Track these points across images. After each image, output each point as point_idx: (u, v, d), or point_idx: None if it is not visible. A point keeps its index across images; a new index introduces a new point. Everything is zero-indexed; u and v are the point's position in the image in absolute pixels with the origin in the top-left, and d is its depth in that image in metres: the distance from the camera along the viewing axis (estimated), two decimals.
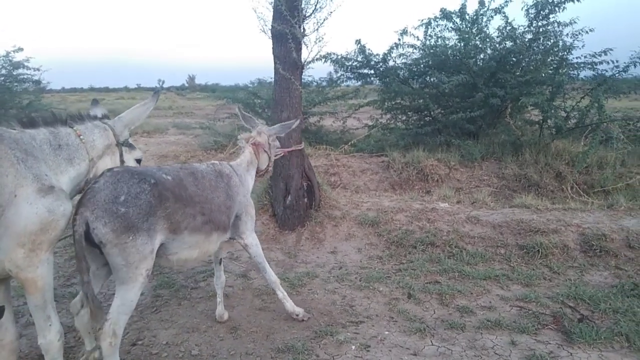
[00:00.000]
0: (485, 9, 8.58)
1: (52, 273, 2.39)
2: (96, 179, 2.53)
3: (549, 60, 7.94)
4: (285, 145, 4.96)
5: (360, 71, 9.23)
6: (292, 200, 5.60)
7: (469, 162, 7.67)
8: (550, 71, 7.80)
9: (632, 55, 7.29)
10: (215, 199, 3.00)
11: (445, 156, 7.76)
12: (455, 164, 7.64)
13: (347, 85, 10.93)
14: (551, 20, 7.77)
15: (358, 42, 8.69)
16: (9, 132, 2.39)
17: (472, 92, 7.94)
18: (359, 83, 10.03)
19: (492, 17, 8.49)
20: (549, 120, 7.78)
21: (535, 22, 7.91)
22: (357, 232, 5.51)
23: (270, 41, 5.39)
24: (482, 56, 8.45)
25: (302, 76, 5.96)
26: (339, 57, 8.67)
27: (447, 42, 8.66)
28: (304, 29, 5.27)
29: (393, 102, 9.39)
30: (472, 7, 13.06)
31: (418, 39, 8.78)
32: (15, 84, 13.41)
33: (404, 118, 9.76)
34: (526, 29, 8.04)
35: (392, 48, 8.55)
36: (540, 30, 7.82)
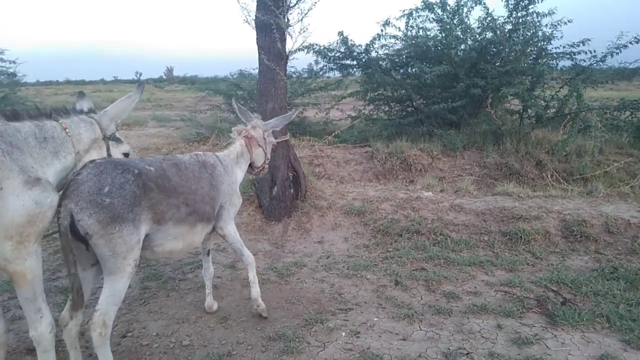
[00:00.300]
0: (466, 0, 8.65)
1: (41, 265, 2.36)
2: (79, 170, 2.49)
3: (528, 50, 8.06)
4: None
5: (343, 62, 9.24)
6: (278, 191, 5.60)
7: (451, 151, 7.79)
8: (530, 61, 7.93)
9: (609, 45, 7.45)
10: (199, 189, 2.99)
11: (428, 146, 7.85)
12: (437, 154, 7.74)
13: (329, 77, 10.92)
14: (530, 11, 7.87)
15: (341, 33, 8.69)
16: None
17: (453, 83, 8.01)
18: (341, 74, 10.05)
19: (472, 7, 8.55)
20: (529, 110, 7.94)
21: (514, 12, 8.01)
22: (344, 221, 5.55)
23: (254, 32, 5.37)
24: (463, 47, 8.50)
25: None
26: (322, 48, 8.65)
27: (428, 33, 8.69)
28: (288, 19, 5.26)
29: (375, 93, 9.44)
30: None
31: (400, 30, 8.81)
32: None
33: (387, 109, 9.81)
34: (506, 20, 8.15)
35: (374, 39, 8.56)
36: (520, 20, 7.93)
